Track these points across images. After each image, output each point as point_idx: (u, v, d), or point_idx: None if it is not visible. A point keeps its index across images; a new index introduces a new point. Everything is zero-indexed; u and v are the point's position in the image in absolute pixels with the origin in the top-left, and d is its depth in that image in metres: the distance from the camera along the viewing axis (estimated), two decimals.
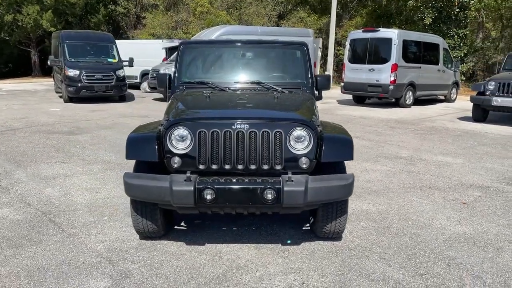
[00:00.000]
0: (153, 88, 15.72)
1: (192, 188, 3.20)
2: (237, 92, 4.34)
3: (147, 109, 13.18)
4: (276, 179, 3.32)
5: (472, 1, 18.79)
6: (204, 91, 4.33)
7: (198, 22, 26.09)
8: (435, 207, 4.77)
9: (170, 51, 19.29)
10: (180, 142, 3.42)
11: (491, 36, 23.57)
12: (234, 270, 3.32)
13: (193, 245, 3.75)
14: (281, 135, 3.40)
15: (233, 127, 3.40)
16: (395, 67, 13.50)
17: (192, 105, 3.95)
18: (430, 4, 19.36)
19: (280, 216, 4.07)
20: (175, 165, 3.42)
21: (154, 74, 15.42)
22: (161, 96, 16.40)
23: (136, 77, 19.45)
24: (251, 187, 3.25)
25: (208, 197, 3.22)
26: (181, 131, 3.41)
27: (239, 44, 4.94)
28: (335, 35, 22.13)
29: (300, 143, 3.43)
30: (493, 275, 3.29)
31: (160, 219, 3.66)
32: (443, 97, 16.60)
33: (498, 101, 10.50)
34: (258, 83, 4.50)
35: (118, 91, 14.60)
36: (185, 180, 3.26)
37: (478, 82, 12.14)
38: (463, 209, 4.73)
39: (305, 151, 3.42)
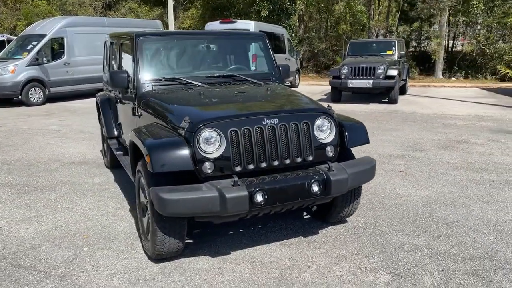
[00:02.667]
0: None
1: (246, 193, 2.93)
2: (219, 86, 4.06)
3: None
4: (315, 170, 3.28)
5: None
6: (183, 88, 3.95)
7: (11, 13, 22.54)
8: (385, 178, 5.32)
9: None
10: (210, 145, 3.07)
11: (310, 27, 26.47)
12: (288, 271, 3.19)
13: (219, 256, 3.43)
14: (308, 126, 3.35)
15: (263, 122, 3.21)
16: (255, 57, 14.10)
17: (196, 103, 3.55)
18: None
19: None
20: (208, 171, 3.06)
21: None
22: None
23: None
24: (299, 182, 3.14)
25: (260, 199, 3.00)
26: (210, 132, 3.07)
27: (201, 35, 4.59)
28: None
29: (324, 132, 3.44)
30: (484, 225, 3.91)
31: (185, 235, 3.25)
32: (289, 83, 18.09)
33: (352, 83, 12.03)
34: (230, 76, 4.30)
35: None
36: (233, 185, 2.96)
37: (333, 68, 13.64)
38: (406, 176, 5.40)
39: (330, 140, 3.45)
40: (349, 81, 12.02)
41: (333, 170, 3.26)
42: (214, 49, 4.51)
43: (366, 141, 3.66)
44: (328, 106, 3.64)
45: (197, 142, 3.03)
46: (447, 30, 21.15)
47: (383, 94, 12.50)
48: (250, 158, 3.16)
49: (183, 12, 26.22)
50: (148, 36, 4.20)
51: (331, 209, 3.84)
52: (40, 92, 13.35)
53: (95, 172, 5.77)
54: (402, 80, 13.92)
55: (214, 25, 15.01)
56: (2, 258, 3.43)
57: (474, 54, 20.29)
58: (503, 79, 18.85)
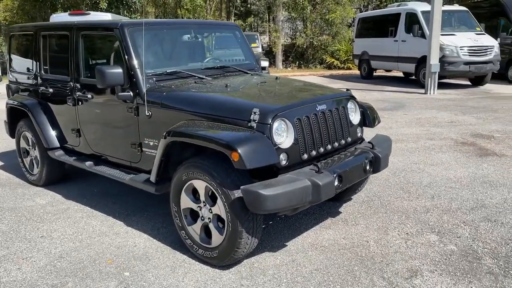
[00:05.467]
0: None
1: (333, 178, 2.96)
2: (224, 78, 3.89)
3: None
4: (360, 150, 3.47)
5: None
6: (195, 81, 3.68)
7: None
8: None
9: None
10: (281, 135, 2.98)
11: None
12: (355, 249, 3.32)
13: (278, 250, 3.35)
14: (344, 109, 3.53)
15: (316, 109, 3.26)
16: None
17: (243, 96, 3.38)
18: None
19: None
20: (284, 162, 2.97)
21: None
22: None
23: None
24: (358, 162, 3.30)
25: (336, 183, 3.05)
26: (280, 123, 2.98)
27: (186, 25, 4.21)
28: None
29: (352, 114, 3.66)
30: (451, 182, 4.67)
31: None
32: None
33: None
34: (223, 67, 4.13)
35: None
36: (316, 172, 2.95)
37: None
38: None
39: (357, 121, 3.69)
40: None
41: (375, 149, 3.50)
42: (200, 39, 4.22)
43: (379, 121, 4.00)
44: (347, 89, 3.84)
45: (271, 133, 2.91)
46: (281, 25, 23.18)
47: None
48: (311, 145, 3.17)
49: None
50: (136, 25, 3.69)
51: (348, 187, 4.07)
52: None
53: (26, 193, 4.76)
54: None
55: (62, 17, 13.32)
56: None
57: (304, 47, 22.75)
58: (329, 67, 21.70)
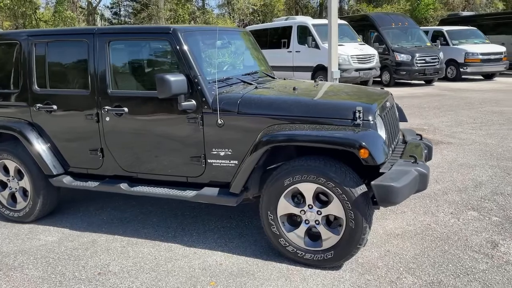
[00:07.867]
0: None
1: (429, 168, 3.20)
2: (270, 82, 3.89)
3: None
4: (416, 142, 3.79)
5: None
6: (256, 86, 3.60)
7: None
8: None
9: None
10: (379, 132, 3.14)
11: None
12: (429, 232, 3.61)
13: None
14: (394, 106, 3.84)
15: (386, 106, 3.50)
16: None
17: (331, 97, 3.51)
18: None
19: None
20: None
21: None
22: None
23: None
24: (424, 153, 3.60)
25: None
26: (378, 120, 3.14)
27: (217, 29, 4.00)
28: None
29: (396, 111, 3.99)
30: (440, 167, 5.32)
31: None
32: None
33: None
34: (255, 72, 4.11)
35: None
36: (413, 162, 3.15)
37: None
38: None
39: (398, 117, 4.03)
40: None
41: (424, 139, 3.87)
42: (231, 45, 4.08)
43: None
44: (382, 87, 4.14)
45: (377, 130, 3.05)
46: None
47: None
48: (391, 139, 3.39)
49: None
50: (189, 30, 3.45)
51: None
52: None
53: (19, 233, 3.96)
54: None
55: None
56: None
57: None
58: None
